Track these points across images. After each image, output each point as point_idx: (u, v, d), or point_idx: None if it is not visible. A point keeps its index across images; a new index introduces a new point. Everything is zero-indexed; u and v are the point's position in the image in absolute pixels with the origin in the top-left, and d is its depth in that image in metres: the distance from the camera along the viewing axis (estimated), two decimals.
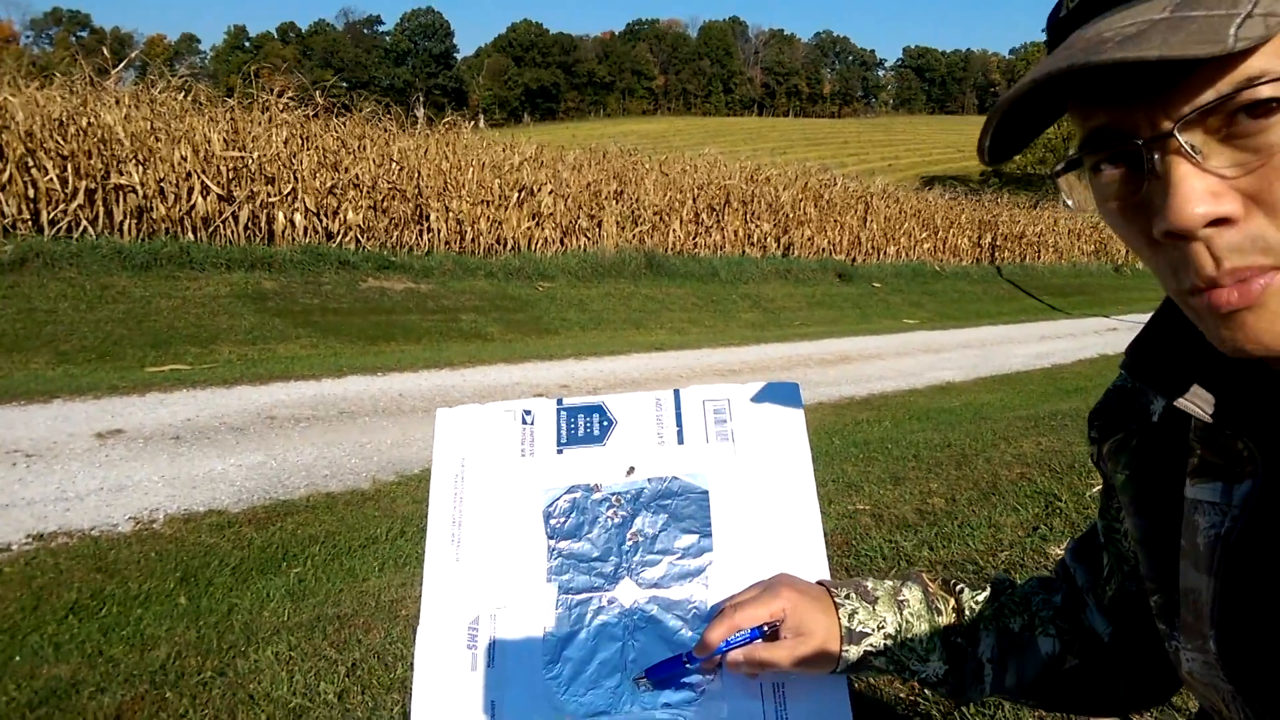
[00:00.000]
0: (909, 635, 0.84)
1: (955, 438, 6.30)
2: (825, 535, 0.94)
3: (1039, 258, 24.77)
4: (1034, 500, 4.57)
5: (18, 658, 2.86)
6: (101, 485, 4.62)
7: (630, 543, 0.93)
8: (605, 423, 1.00)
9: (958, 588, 0.89)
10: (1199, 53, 0.46)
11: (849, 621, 0.83)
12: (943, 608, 0.87)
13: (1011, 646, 0.86)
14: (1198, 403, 0.60)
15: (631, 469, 0.97)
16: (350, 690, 2.70)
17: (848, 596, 0.84)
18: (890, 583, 0.88)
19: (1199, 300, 0.53)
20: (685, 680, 0.87)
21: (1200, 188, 0.50)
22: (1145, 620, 0.76)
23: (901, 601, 0.86)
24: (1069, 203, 0.61)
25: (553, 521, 0.94)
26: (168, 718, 2.54)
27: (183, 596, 3.38)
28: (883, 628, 0.83)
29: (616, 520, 0.94)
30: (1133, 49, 0.47)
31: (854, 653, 0.82)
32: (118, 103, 10.24)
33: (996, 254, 23.25)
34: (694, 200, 16.30)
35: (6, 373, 6.93)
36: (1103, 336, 14.47)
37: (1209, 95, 0.49)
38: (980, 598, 0.88)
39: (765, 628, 0.82)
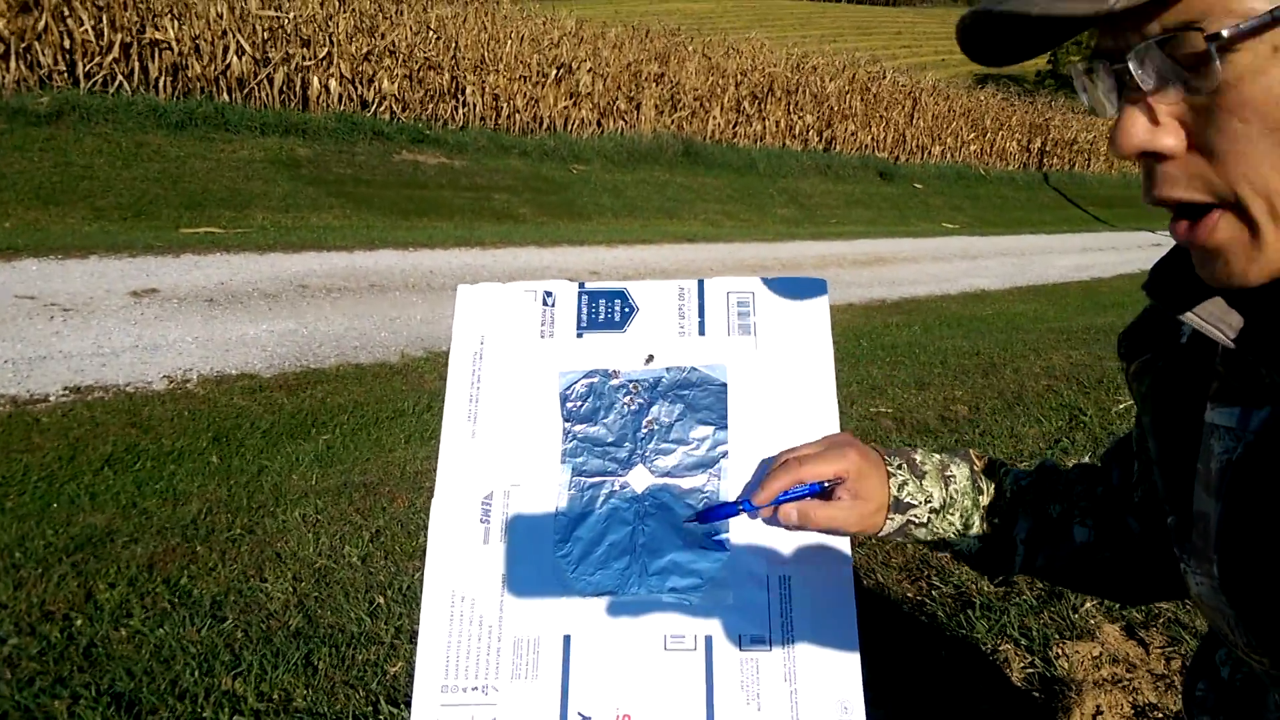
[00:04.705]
0: (951, 511, 0.87)
1: (985, 346, 6.26)
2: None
3: (1089, 166, 23.99)
4: (1058, 413, 4.56)
5: (55, 505, 2.98)
6: (136, 343, 4.71)
7: (645, 430, 0.94)
8: (627, 309, 0.99)
9: (1001, 469, 0.91)
10: (1076, 11, 0.48)
11: (898, 492, 0.85)
12: (985, 487, 0.89)
13: (1046, 531, 0.87)
14: (1222, 327, 0.58)
15: (650, 357, 0.96)
16: (373, 555, 2.80)
17: (899, 467, 0.86)
18: (939, 457, 0.89)
19: (1173, 224, 0.55)
20: (712, 541, 0.88)
21: (1140, 121, 0.52)
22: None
23: (948, 477, 0.88)
24: (1086, 101, 0.59)
25: (569, 404, 0.95)
26: (198, 570, 2.65)
27: (214, 455, 3.48)
28: (929, 502, 0.86)
29: (633, 407, 0.95)
30: (1021, 3, 0.49)
31: (897, 521, 0.85)
32: None
33: (1045, 160, 22.56)
34: (736, 87, 15.82)
35: (44, 226, 7.00)
36: (1147, 251, 14.15)
37: (1155, 29, 0.49)
38: (1024, 481, 0.90)
39: (825, 484, 0.83)
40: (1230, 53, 0.47)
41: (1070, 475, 0.91)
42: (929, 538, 0.87)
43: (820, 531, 0.86)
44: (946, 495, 0.87)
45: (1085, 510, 0.87)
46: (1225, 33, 0.47)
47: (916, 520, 0.85)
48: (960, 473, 0.88)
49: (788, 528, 0.86)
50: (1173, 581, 0.85)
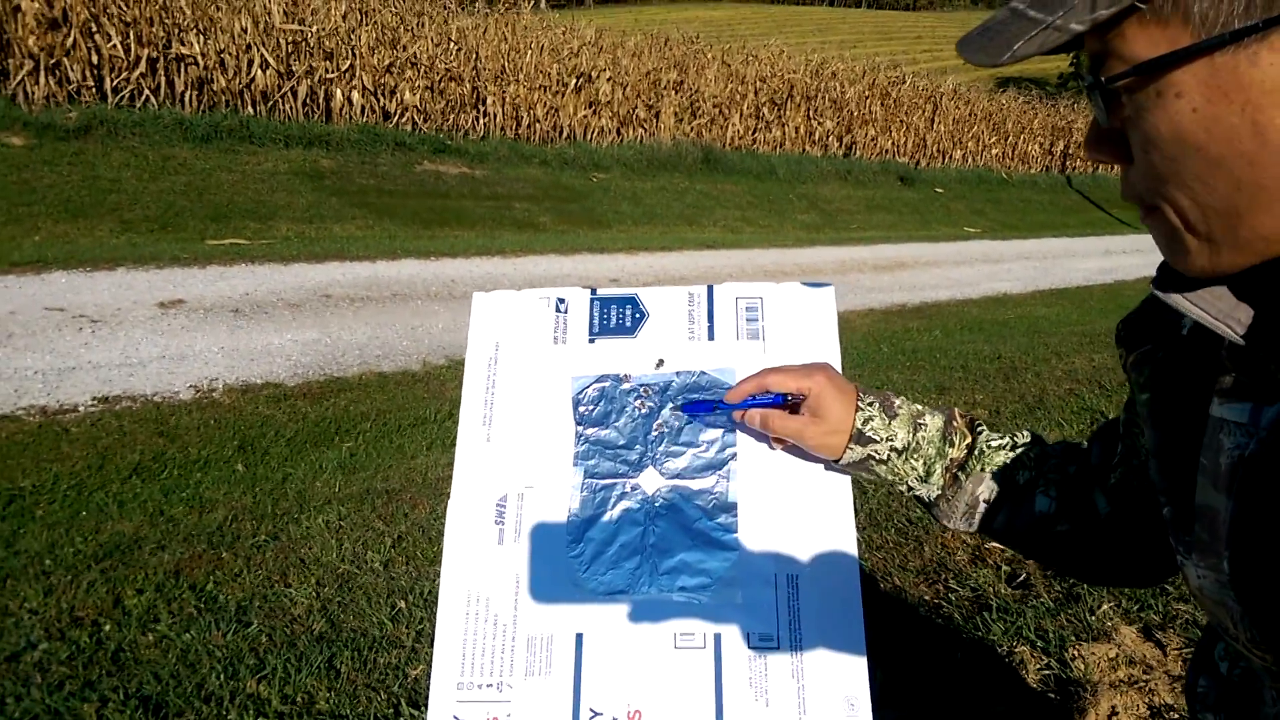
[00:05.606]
0: (913, 456, 0.90)
1: (1006, 350, 6.23)
2: None
3: (1112, 169, 23.69)
4: (1080, 417, 4.53)
5: (84, 513, 3.03)
6: (163, 353, 4.78)
7: (656, 433, 0.96)
8: (637, 315, 1.01)
9: (979, 428, 0.93)
10: (982, 62, 0.56)
11: (861, 425, 0.88)
12: (957, 441, 0.91)
13: (1009, 495, 0.90)
14: (1231, 323, 0.59)
15: (661, 361, 0.98)
16: (395, 560, 2.83)
17: (870, 404, 0.90)
18: (918, 406, 0.92)
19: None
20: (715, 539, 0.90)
21: (1092, 133, 0.60)
22: (1143, 510, 0.80)
23: (919, 424, 0.91)
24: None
25: (581, 409, 0.97)
26: (224, 576, 2.69)
27: (240, 463, 3.53)
28: (891, 441, 0.89)
29: (644, 411, 0.97)
30: (966, 46, 0.58)
31: (857, 453, 0.89)
32: None
33: (1068, 163, 22.39)
34: (755, 93, 15.84)
35: (72, 239, 7.12)
36: None
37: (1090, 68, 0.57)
38: (998, 443, 0.92)
39: (789, 397, 0.89)
40: (1129, 92, 0.54)
41: (1050, 449, 0.93)
42: (891, 477, 0.91)
43: (780, 439, 0.92)
44: (913, 440, 0.90)
45: (1052, 482, 0.89)
46: (1104, 78, 0.54)
47: (877, 456, 0.89)
48: (933, 423, 0.91)
49: (758, 436, 0.93)
50: (1136, 566, 0.86)
